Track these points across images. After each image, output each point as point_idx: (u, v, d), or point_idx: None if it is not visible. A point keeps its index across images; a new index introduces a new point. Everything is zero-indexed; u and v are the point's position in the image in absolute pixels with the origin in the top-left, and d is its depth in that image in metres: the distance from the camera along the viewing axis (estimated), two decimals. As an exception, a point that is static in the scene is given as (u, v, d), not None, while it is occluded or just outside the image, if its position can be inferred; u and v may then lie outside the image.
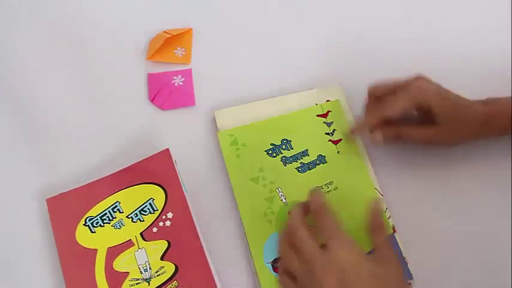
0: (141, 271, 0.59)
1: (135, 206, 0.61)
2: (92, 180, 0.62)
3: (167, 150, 0.63)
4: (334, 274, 0.48)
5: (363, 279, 0.49)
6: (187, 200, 0.61)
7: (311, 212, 0.54)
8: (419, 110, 0.61)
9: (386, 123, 0.61)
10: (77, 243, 0.60)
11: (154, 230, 0.60)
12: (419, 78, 0.60)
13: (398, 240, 0.60)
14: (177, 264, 0.58)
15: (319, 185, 0.62)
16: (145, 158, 0.63)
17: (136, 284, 0.58)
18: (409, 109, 0.60)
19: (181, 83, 0.70)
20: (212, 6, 0.76)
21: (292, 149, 0.64)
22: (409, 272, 0.58)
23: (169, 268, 0.58)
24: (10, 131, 0.68)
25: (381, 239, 0.53)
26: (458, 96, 0.60)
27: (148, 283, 0.58)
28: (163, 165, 0.62)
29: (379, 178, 0.63)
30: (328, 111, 0.66)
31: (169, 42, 0.71)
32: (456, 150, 0.64)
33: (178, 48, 0.72)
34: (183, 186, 0.62)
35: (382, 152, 0.65)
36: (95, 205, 0.61)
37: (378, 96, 0.62)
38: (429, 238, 0.60)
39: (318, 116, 0.66)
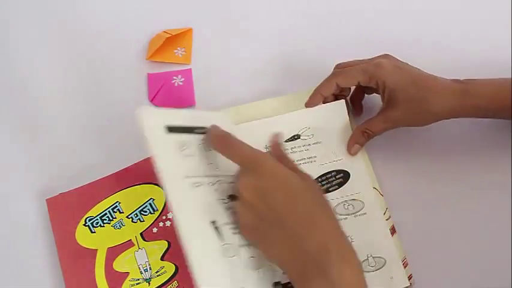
0: (141, 271, 0.59)
1: (135, 206, 0.61)
2: (92, 180, 0.62)
3: (167, 150, 0.63)
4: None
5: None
6: (187, 200, 0.61)
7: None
8: (377, 88, 0.60)
9: (357, 130, 0.62)
10: (77, 243, 0.60)
11: (155, 230, 0.60)
12: (382, 55, 0.61)
13: (398, 241, 0.59)
14: (177, 265, 0.58)
15: None
16: (146, 158, 0.63)
17: (137, 284, 0.58)
18: (363, 82, 0.60)
19: (181, 83, 0.70)
20: (212, 6, 0.76)
21: None
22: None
23: (169, 268, 0.58)
24: (10, 131, 0.68)
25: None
26: (422, 73, 0.59)
27: (149, 283, 0.58)
28: (164, 165, 0.62)
29: (379, 178, 0.63)
30: None
31: (169, 42, 0.71)
32: (456, 151, 0.64)
33: (178, 48, 0.72)
34: (183, 186, 0.62)
35: (382, 152, 0.65)
36: (95, 205, 0.61)
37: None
38: (429, 238, 0.60)
39: None
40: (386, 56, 0.62)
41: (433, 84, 0.59)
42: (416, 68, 0.60)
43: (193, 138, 0.57)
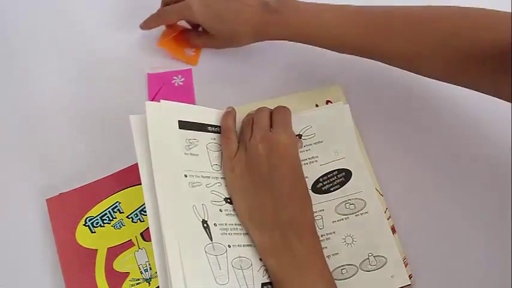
0: (141, 271, 0.59)
1: (136, 206, 0.61)
2: (92, 180, 0.62)
3: (167, 150, 0.63)
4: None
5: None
6: (188, 200, 0.61)
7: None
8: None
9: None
10: (77, 243, 0.60)
11: (155, 230, 0.60)
12: None
13: (398, 241, 0.60)
14: (178, 265, 0.58)
15: None
16: (146, 158, 0.63)
17: (137, 284, 0.58)
18: (180, 20, 0.69)
19: (181, 83, 0.70)
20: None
21: None
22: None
23: (169, 268, 0.58)
24: (10, 130, 0.68)
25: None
26: (228, 5, 0.65)
27: (149, 283, 0.58)
28: (164, 165, 0.62)
29: (379, 178, 0.63)
30: None
31: (184, 40, 0.72)
32: (457, 151, 0.65)
33: (189, 49, 0.72)
34: (183, 186, 0.62)
35: (382, 152, 0.65)
36: (95, 205, 0.61)
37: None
38: (429, 238, 0.60)
39: None
40: None
41: (237, 17, 0.64)
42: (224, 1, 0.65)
43: (204, 136, 0.58)
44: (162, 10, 0.69)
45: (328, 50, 0.64)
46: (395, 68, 0.63)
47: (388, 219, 0.60)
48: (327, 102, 0.67)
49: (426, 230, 0.61)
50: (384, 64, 0.63)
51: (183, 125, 0.58)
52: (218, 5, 0.65)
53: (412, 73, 0.62)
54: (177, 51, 0.72)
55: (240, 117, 0.63)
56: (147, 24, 0.70)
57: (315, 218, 0.60)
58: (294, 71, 0.71)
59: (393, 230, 0.60)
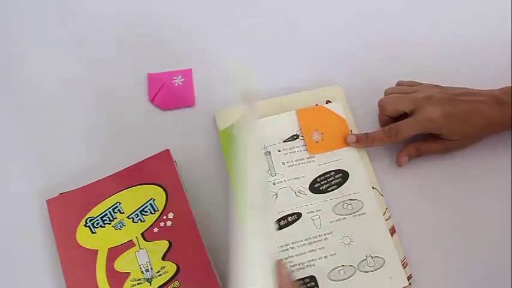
0: (142, 271, 0.59)
1: (136, 207, 0.61)
2: (93, 181, 0.63)
3: (167, 150, 0.63)
4: None
5: None
6: (188, 200, 0.61)
7: None
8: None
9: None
10: (78, 244, 0.60)
11: (155, 230, 0.60)
12: (427, 101, 0.61)
13: (398, 241, 0.60)
14: (179, 264, 0.59)
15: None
16: (146, 159, 0.63)
17: (138, 284, 0.58)
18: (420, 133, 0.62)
19: (181, 83, 0.70)
20: (212, 5, 0.76)
21: None
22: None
23: (170, 268, 0.59)
24: (10, 131, 0.68)
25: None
26: (470, 107, 0.61)
27: (150, 283, 0.58)
28: (164, 165, 0.62)
29: (379, 178, 0.63)
30: None
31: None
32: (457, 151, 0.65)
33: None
34: (183, 186, 0.62)
35: (382, 152, 0.65)
36: (96, 206, 0.61)
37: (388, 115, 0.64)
38: (429, 238, 0.61)
39: None
40: (428, 98, 0.61)
41: (477, 116, 0.61)
42: (457, 101, 0.61)
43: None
44: (388, 128, 0.63)
45: (327, 51, 0.64)
46: (395, 67, 0.63)
47: (388, 219, 0.61)
48: (327, 102, 0.67)
49: (426, 230, 0.61)
50: (383, 64, 0.63)
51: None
52: (455, 109, 0.61)
53: (412, 74, 0.62)
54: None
55: (234, 119, 0.63)
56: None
57: (312, 218, 0.60)
58: (294, 71, 0.71)
59: (393, 230, 0.60)
